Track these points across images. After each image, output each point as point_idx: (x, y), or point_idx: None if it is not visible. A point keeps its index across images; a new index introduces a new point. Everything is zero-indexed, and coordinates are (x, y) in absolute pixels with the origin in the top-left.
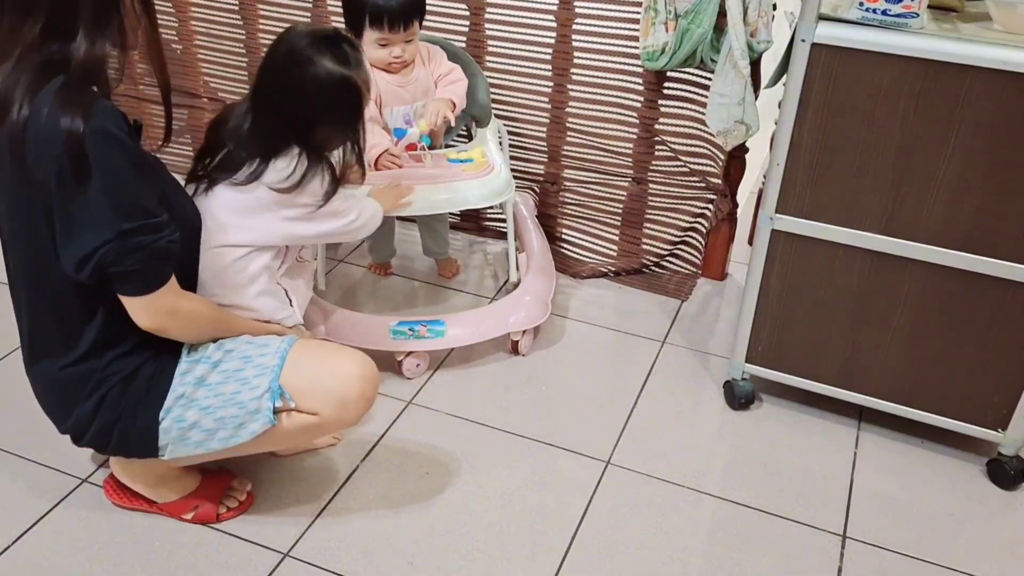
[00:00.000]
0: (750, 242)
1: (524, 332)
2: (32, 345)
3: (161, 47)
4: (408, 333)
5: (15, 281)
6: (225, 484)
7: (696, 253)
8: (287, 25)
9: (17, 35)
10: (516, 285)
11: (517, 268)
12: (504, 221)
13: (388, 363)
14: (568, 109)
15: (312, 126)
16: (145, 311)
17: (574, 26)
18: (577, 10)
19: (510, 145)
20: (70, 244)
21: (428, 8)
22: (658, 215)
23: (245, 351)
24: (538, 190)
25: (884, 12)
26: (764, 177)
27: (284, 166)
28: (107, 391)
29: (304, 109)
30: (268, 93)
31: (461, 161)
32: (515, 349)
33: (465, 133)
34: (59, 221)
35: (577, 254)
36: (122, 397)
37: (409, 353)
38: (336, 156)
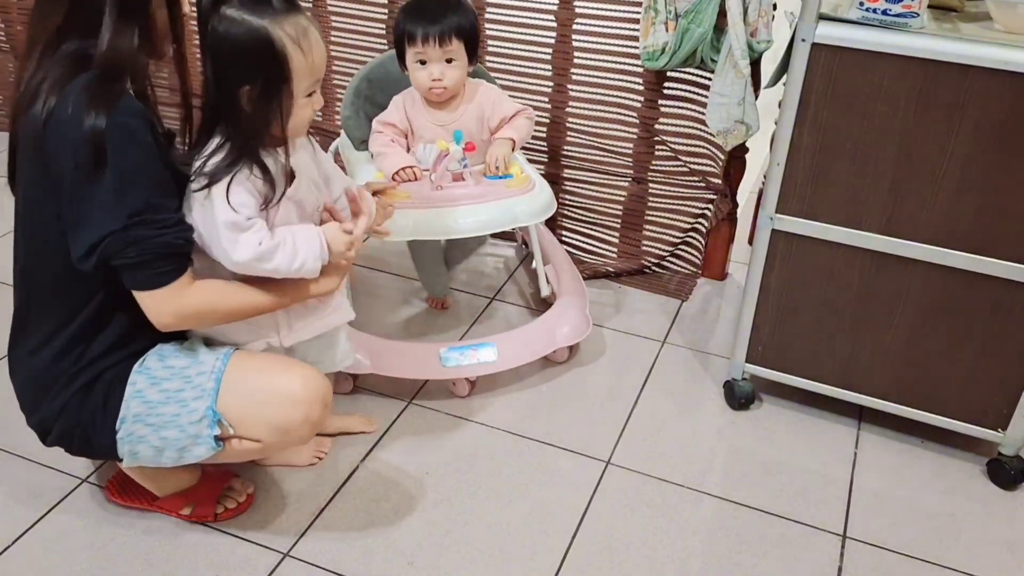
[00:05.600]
0: (750, 242)
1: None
2: (15, 332)
3: (186, 58)
4: (460, 359)
5: (15, 268)
6: (223, 483)
7: (696, 253)
8: None
9: (44, 24)
10: (546, 299)
11: (548, 282)
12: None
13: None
14: (568, 109)
15: (227, 94)
16: (154, 308)
17: (574, 26)
18: (577, 10)
19: None
20: (79, 233)
21: None
22: (658, 216)
23: (185, 370)
24: None
25: (884, 12)
26: (764, 177)
27: (209, 150)
28: (71, 395)
29: (217, 73)
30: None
31: (500, 178)
32: (552, 358)
33: None
34: (71, 211)
35: (577, 254)
36: (84, 403)
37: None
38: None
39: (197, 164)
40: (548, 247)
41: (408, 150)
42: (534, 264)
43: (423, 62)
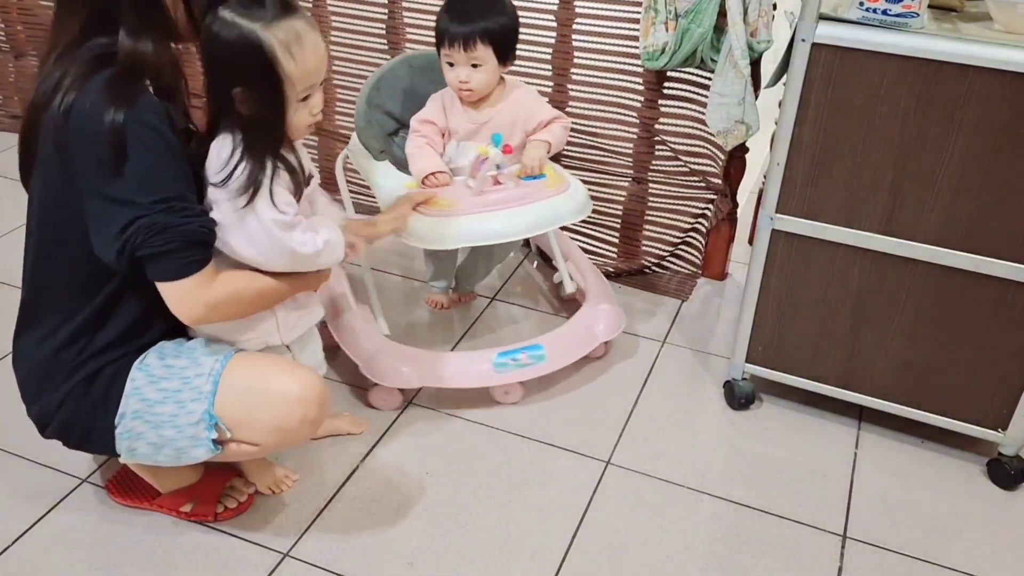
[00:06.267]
0: (750, 242)
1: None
2: (21, 322)
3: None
4: (511, 364)
5: (26, 261)
6: (225, 482)
7: (696, 253)
8: None
9: (64, 26)
10: (567, 297)
11: (571, 279)
12: None
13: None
14: (568, 109)
15: (224, 97)
16: (182, 300)
17: (574, 26)
18: (577, 10)
19: None
20: (103, 227)
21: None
22: (658, 216)
23: (184, 371)
24: None
25: (884, 12)
26: (764, 177)
27: (218, 148)
28: (72, 388)
29: (213, 76)
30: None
31: (534, 179)
32: (591, 355)
33: None
34: (94, 206)
35: None
36: (85, 396)
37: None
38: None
39: (221, 177)
40: (565, 245)
41: (444, 148)
42: (550, 262)
43: (452, 63)
